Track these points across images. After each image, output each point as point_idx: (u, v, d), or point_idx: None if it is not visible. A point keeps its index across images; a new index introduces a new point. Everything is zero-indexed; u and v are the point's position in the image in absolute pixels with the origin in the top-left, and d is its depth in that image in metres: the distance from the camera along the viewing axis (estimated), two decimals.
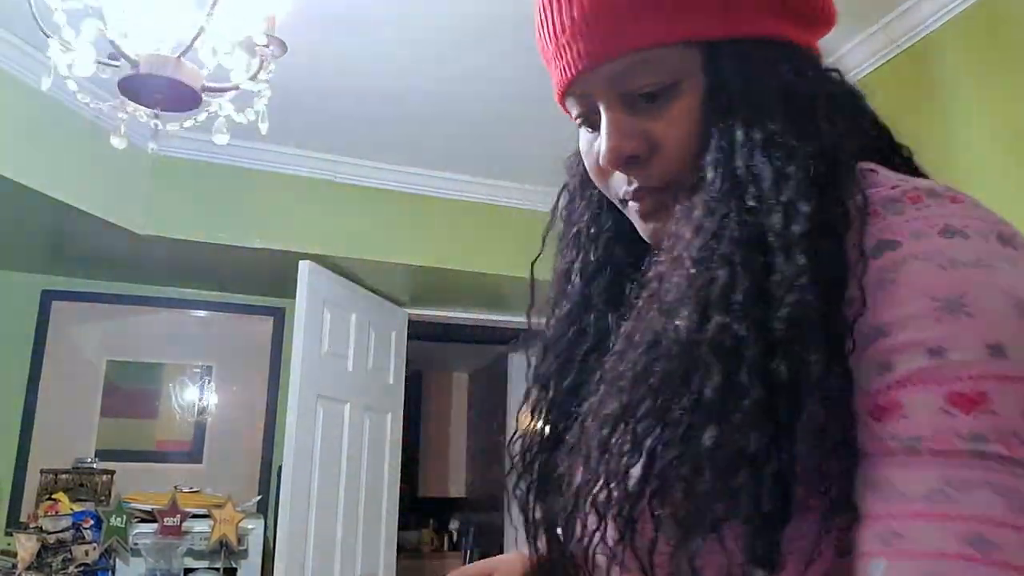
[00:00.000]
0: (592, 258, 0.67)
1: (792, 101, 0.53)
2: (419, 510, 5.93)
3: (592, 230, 0.68)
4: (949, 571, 0.40)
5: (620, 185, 0.60)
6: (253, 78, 1.24)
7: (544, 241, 0.71)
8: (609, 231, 0.67)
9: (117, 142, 1.33)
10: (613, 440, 0.52)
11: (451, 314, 3.76)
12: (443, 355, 5.74)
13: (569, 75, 0.58)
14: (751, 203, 0.50)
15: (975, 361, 0.42)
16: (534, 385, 0.67)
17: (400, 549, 3.59)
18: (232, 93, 1.34)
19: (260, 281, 3.41)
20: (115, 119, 2.53)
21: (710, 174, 0.52)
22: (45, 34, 1.24)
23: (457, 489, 6.28)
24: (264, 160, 2.99)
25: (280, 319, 3.57)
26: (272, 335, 3.58)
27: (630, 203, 0.60)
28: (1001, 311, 0.43)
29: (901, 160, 0.60)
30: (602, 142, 0.57)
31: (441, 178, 3.18)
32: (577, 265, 0.68)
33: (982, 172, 1.84)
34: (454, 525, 6.22)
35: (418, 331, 3.76)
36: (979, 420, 0.41)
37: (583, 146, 0.62)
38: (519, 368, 4.74)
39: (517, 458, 0.65)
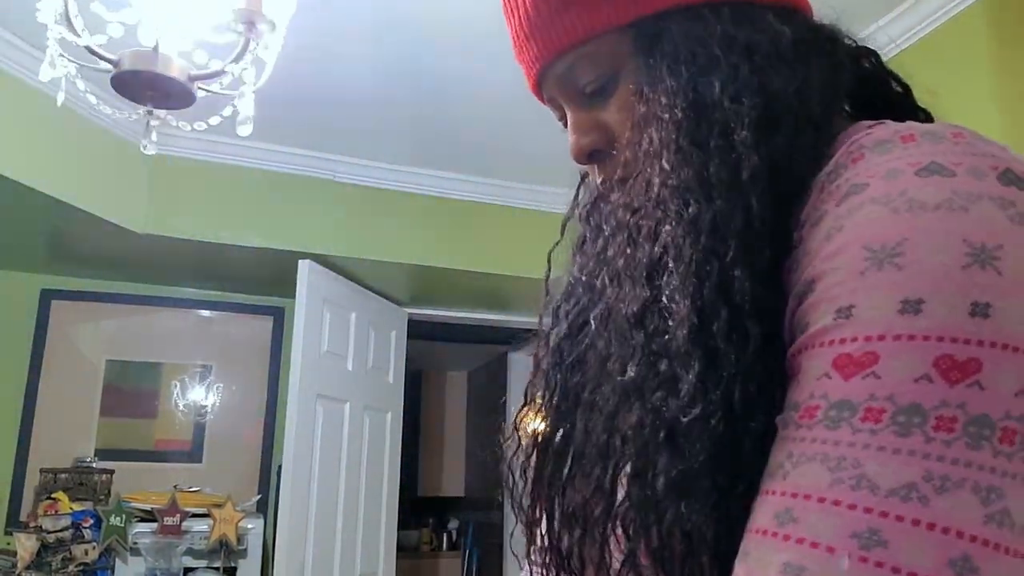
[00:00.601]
0: None
1: (708, 68, 0.50)
2: (418, 509, 5.93)
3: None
4: (753, 548, 0.38)
5: (596, 177, 0.60)
6: (236, 60, 1.23)
7: (563, 231, 0.68)
8: None
9: (150, 149, 1.33)
10: (612, 447, 0.49)
11: (451, 314, 3.76)
12: (442, 354, 5.74)
13: (530, 82, 0.60)
14: (656, 186, 0.49)
15: (878, 319, 0.37)
16: (535, 385, 0.62)
17: (399, 548, 3.59)
18: (243, 87, 1.34)
19: (260, 280, 3.41)
20: (123, 122, 2.53)
21: (638, 159, 0.52)
22: (47, 45, 1.24)
23: (456, 488, 6.28)
24: (264, 159, 2.99)
25: (280, 318, 3.57)
26: (272, 334, 3.57)
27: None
28: (939, 260, 0.37)
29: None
30: (570, 148, 0.58)
31: (442, 178, 3.18)
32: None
33: None
34: (453, 524, 6.22)
35: (418, 331, 3.76)
36: (855, 386, 0.37)
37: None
38: (518, 367, 4.73)
39: (518, 473, 0.61)
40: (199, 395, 3.47)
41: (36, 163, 2.44)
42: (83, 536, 2.77)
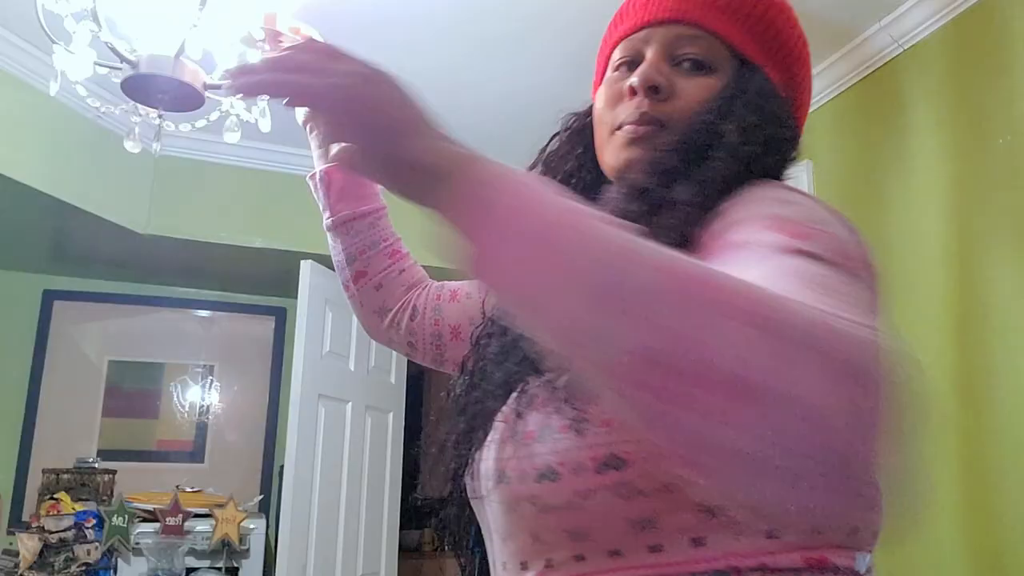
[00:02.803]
0: None
1: (756, 122, 0.71)
2: (420, 510, 5.93)
3: (571, 177, 0.80)
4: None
5: (626, 111, 0.73)
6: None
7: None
8: (582, 178, 0.80)
9: (130, 146, 1.33)
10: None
11: None
12: None
13: (645, 19, 0.76)
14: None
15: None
16: None
17: (401, 548, 3.59)
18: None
19: (262, 281, 3.41)
20: (125, 122, 2.53)
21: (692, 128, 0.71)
22: (51, 40, 1.24)
23: None
24: (267, 160, 2.99)
25: (282, 319, 3.58)
26: (274, 335, 3.58)
27: (625, 127, 0.73)
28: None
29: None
30: (639, 73, 0.73)
31: None
32: None
33: (937, 194, 1.90)
34: None
35: None
36: None
37: (610, 84, 0.76)
38: None
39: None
40: (200, 395, 3.47)
41: (39, 164, 2.44)
42: (85, 536, 2.77)
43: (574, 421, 0.58)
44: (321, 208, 1.04)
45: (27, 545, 2.67)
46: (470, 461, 0.71)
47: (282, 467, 3.02)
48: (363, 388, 3.24)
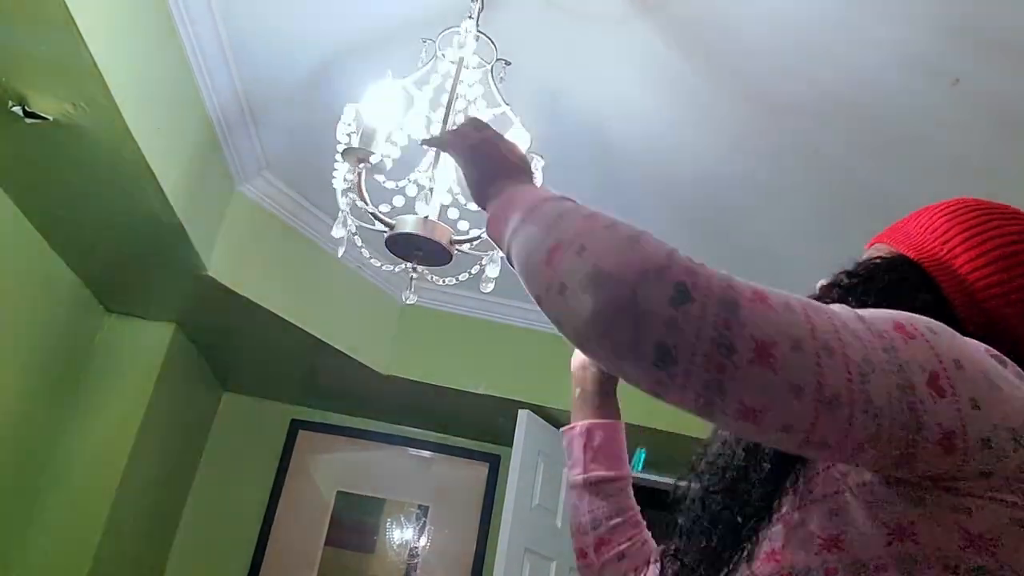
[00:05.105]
0: None
1: None
2: None
3: None
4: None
5: None
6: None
7: None
8: None
9: (411, 299, 1.48)
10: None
11: (670, 481, 3.57)
12: (659, 524, 5.43)
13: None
14: None
15: None
16: None
17: None
18: (490, 249, 1.45)
19: (479, 426, 3.49)
20: (376, 273, 2.79)
21: None
22: (340, 209, 1.43)
23: None
24: (497, 313, 3.15)
25: (495, 466, 3.60)
26: (486, 481, 3.59)
27: None
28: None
29: None
30: None
31: None
32: None
33: None
34: None
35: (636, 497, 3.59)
36: None
37: None
38: None
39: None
40: (413, 535, 3.52)
41: (297, 302, 2.74)
42: None
43: None
44: (570, 462, 1.01)
45: None
46: None
47: None
48: (569, 548, 3.12)
